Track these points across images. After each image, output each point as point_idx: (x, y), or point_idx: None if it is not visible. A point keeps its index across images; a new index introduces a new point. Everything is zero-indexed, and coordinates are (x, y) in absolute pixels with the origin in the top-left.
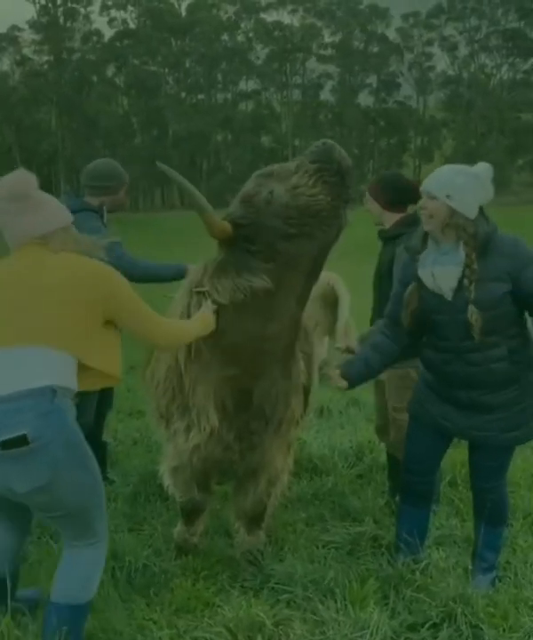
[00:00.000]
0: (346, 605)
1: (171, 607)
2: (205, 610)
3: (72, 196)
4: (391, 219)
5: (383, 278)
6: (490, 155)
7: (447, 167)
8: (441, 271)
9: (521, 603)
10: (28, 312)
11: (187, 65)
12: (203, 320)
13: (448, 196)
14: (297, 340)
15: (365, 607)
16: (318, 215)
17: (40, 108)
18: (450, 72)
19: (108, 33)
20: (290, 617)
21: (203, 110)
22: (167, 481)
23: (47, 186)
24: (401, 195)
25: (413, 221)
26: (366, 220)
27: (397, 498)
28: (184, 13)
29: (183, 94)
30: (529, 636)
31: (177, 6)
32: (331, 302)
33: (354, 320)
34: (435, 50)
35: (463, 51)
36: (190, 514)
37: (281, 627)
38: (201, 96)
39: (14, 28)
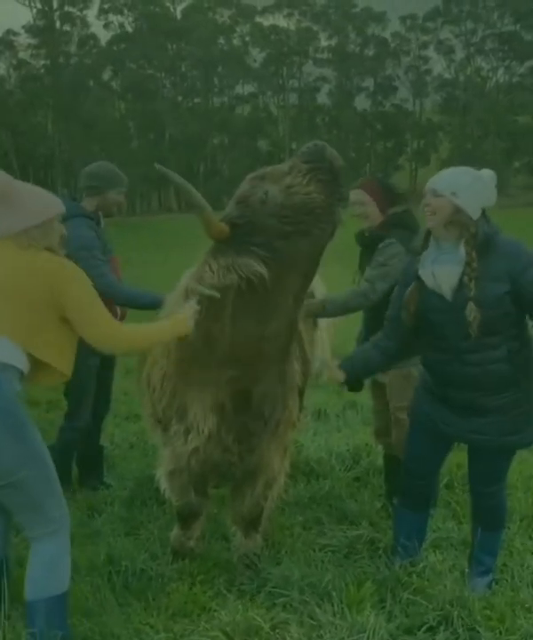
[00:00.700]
0: (342, 609)
1: (168, 611)
2: (202, 614)
3: (67, 200)
4: (378, 219)
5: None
6: (487, 157)
7: (452, 168)
8: (442, 270)
9: (518, 605)
10: None
11: (184, 69)
12: (175, 322)
13: (453, 193)
14: (293, 341)
15: (362, 610)
16: (313, 212)
17: (37, 112)
18: (447, 75)
19: (105, 37)
20: (286, 620)
21: (200, 114)
22: (164, 485)
23: None
24: (395, 197)
25: (399, 222)
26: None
27: (395, 501)
28: (179, 17)
29: (180, 98)
30: (526, 639)
31: (172, 10)
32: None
33: (343, 321)
34: (431, 53)
35: (459, 54)
36: (187, 518)
37: (277, 630)
38: (197, 100)
39: (10, 32)
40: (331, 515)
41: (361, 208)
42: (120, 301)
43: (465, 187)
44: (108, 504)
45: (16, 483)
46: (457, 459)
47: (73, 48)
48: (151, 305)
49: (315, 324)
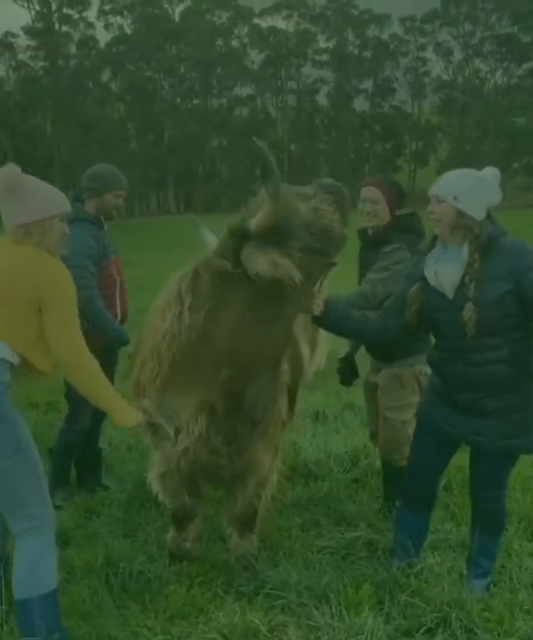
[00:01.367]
0: (340, 611)
1: (166, 613)
2: (200, 616)
3: (72, 202)
4: (386, 219)
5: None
6: (485, 159)
7: (454, 171)
8: (444, 269)
9: (516, 607)
10: None
11: (182, 70)
12: (126, 411)
13: (455, 198)
14: (288, 346)
15: (360, 612)
16: (333, 239)
17: (35, 114)
18: (445, 77)
19: (104, 39)
20: (284, 623)
21: (199, 115)
22: (156, 488)
23: None
24: (404, 197)
25: (405, 226)
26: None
27: (397, 502)
28: (177, 19)
29: (178, 100)
30: None
31: (171, 12)
32: None
33: None
34: (430, 55)
35: (457, 56)
36: (181, 520)
37: (275, 632)
38: (196, 101)
39: (9, 33)
40: (329, 516)
41: (372, 206)
42: (90, 317)
43: (465, 190)
44: (106, 506)
45: None
46: (456, 461)
47: (72, 49)
48: (115, 337)
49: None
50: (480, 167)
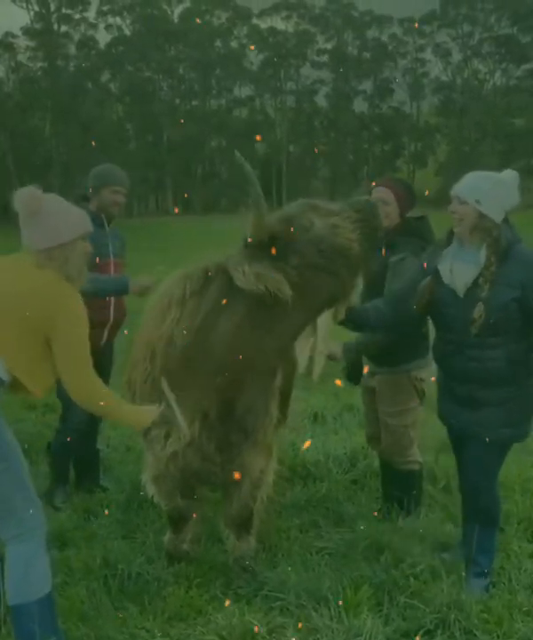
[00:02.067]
0: (339, 612)
1: (164, 615)
2: (198, 617)
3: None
4: (396, 221)
5: (375, 285)
6: (484, 160)
7: (475, 173)
8: (460, 268)
9: (516, 608)
10: None
11: (181, 71)
12: (139, 416)
13: (477, 201)
14: (281, 360)
15: (359, 614)
16: (348, 258)
17: (34, 115)
18: (444, 78)
19: (104, 40)
20: (283, 625)
21: (198, 116)
22: (150, 490)
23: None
24: (414, 199)
25: (413, 230)
26: None
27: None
28: (177, 20)
29: (177, 100)
30: None
31: (170, 13)
32: None
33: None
34: (429, 56)
35: (456, 57)
36: (177, 521)
37: (274, 634)
38: (195, 102)
39: (9, 34)
40: (328, 518)
41: (382, 207)
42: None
43: (487, 193)
44: (105, 507)
45: None
46: (453, 462)
47: (71, 50)
48: (116, 290)
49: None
50: (479, 168)
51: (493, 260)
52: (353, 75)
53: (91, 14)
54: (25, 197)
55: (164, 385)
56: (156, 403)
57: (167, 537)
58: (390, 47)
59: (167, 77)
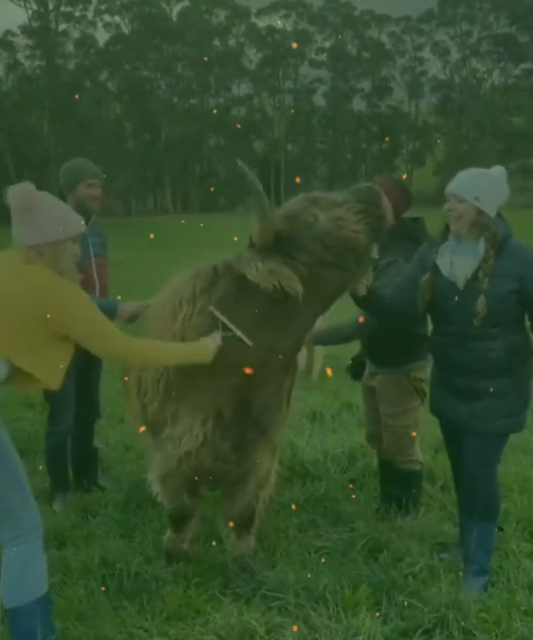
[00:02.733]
0: (338, 612)
1: (163, 615)
2: (196, 617)
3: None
4: (390, 222)
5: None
6: (482, 159)
7: (469, 171)
8: (460, 261)
9: (514, 608)
10: None
11: (179, 69)
12: (198, 349)
13: (476, 198)
14: (295, 357)
15: (357, 613)
16: (355, 251)
17: (32, 114)
18: (442, 77)
19: (102, 38)
20: (282, 624)
21: (196, 115)
22: (156, 488)
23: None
24: (410, 200)
25: (406, 232)
26: None
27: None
28: (175, 18)
29: (175, 99)
30: None
31: (168, 11)
32: None
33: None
34: (427, 54)
35: (454, 55)
36: (180, 521)
37: (272, 634)
38: (193, 101)
39: (8, 32)
40: (327, 517)
41: None
42: None
43: (485, 190)
44: (103, 506)
45: None
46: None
47: (70, 48)
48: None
49: None
50: (477, 167)
51: (491, 253)
52: (351, 74)
53: (89, 13)
54: (19, 193)
55: (213, 309)
56: (166, 402)
57: (167, 536)
58: (388, 46)
59: (165, 76)
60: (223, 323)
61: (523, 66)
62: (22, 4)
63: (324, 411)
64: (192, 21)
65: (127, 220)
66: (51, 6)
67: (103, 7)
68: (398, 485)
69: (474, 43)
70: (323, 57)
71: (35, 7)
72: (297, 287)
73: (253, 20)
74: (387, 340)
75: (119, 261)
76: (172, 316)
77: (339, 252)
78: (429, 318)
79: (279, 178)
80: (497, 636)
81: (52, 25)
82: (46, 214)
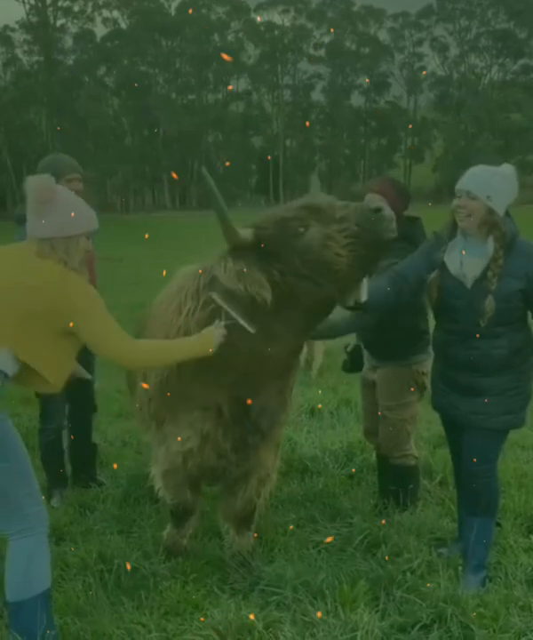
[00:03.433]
0: (336, 607)
1: (161, 610)
2: (194, 612)
3: None
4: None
5: None
6: (480, 155)
7: (481, 168)
8: (470, 260)
9: (512, 603)
10: None
11: (178, 65)
12: (200, 342)
13: (488, 197)
14: (295, 364)
15: (355, 609)
16: (333, 273)
17: (29, 109)
18: (441, 72)
19: (100, 33)
20: (279, 619)
21: (195, 111)
22: (158, 484)
23: None
24: (408, 201)
25: (402, 233)
26: None
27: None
28: (173, 13)
29: (174, 95)
30: (520, 637)
31: (166, 6)
32: None
33: None
34: (426, 50)
35: (453, 51)
36: (181, 516)
37: (270, 629)
38: (191, 96)
39: (6, 27)
40: (325, 512)
41: None
42: None
43: (497, 189)
44: (101, 502)
45: None
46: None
47: (68, 43)
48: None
49: None
50: (475, 164)
51: (501, 253)
52: (350, 69)
53: (87, 8)
54: (38, 185)
55: (216, 296)
56: (169, 397)
57: (167, 532)
58: (387, 42)
59: (163, 71)
60: (225, 311)
61: (522, 62)
62: None
63: (323, 406)
64: (190, 17)
65: (125, 217)
66: (48, 1)
67: (101, 2)
68: (395, 480)
69: (473, 38)
70: (322, 53)
71: (32, 2)
72: (264, 294)
73: (252, 15)
74: (389, 334)
75: (119, 258)
76: (177, 310)
77: (316, 270)
78: (430, 313)
79: (278, 173)
80: (494, 630)
81: (50, 20)
82: (63, 208)
